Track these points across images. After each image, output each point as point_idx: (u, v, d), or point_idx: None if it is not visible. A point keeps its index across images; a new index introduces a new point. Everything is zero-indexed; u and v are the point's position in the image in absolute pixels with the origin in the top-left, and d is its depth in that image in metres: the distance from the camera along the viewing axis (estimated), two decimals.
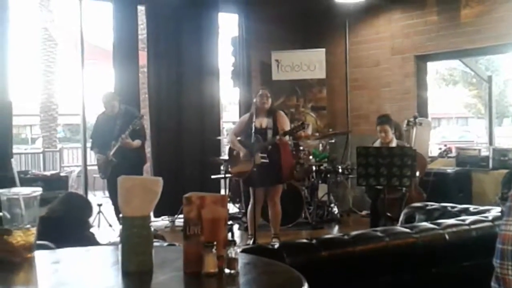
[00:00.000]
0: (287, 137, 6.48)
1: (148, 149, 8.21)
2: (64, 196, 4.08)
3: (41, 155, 14.98)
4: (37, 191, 2.13)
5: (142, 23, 9.49)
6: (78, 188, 10.48)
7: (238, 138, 6.66)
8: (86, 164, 8.59)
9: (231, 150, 6.82)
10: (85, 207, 4.04)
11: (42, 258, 2.22)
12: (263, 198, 6.60)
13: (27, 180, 7.20)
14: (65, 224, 3.62)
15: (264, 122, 6.45)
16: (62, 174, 8.61)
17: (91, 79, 11.72)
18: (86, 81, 8.30)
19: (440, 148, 7.81)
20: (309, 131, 8.85)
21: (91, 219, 4.15)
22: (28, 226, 2.09)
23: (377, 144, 6.96)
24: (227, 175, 8.21)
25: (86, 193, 8.31)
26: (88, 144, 8.85)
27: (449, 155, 7.55)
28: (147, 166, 8.19)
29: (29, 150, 18.00)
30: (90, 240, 3.61)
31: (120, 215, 2.04)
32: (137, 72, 8.53)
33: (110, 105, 7.09)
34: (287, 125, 6.55)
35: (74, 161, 15.57)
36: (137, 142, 6.96)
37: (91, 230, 4.01)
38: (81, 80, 8.19)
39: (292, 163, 6.95)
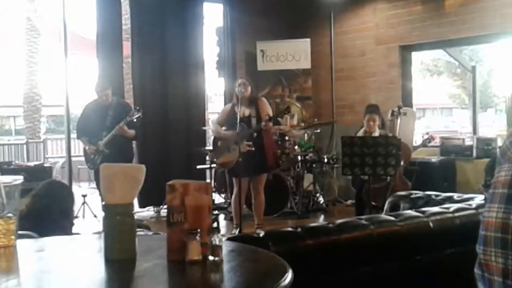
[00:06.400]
0: (271, 124, 6.45)
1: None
2: (46, 185, 4.01)
3: (24, 146, 14.88)
4: (18, 179, 2.10)
5: (126, 13, 9.41)
6: (62, 179, 10.41)
7: (223, 127, 6.67)
8: (70, 155, 8.52)
9: (215, 141, 6.82)
10: (67, 196, 3.98)
11: (26, 247, 2.20)
12: (247, 187, 6.60)
13: (11, 171, 7.16)
14: (48, 214, 3.57)
15: (247, 110, 6.45)
16: (46, 165, 8.55)
17: (74, 69, 11.63)
18: (70, 71, 8.21)
19: (422, 136, 7.86)
20: (295, 121, 8.85)
21: (74, 209, 4.08)
22: (10, 214, 2.07)
23: (360, 133, 6.99)
24: (212, 165, 8.22)
25: (70, 184, 8.25)
26: (73, 135, 8.80)
27: (431, 143, 7.60)
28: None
29: (12, 141, 17.87)
30: (64, 230, 3.55)
31: (103, 203, 2.02)
32: (121, 63, 8.47)
33: (104, 94, 6.97)
34: (269, 111, 6.57)
35: (58, 152, 15.48)
36: (132, 132, 6.90)
37: (73, 221, 3.96)
38: (65, 71, 8.11)
39: (275, 150, 6.93)
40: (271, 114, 6.49)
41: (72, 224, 3.85)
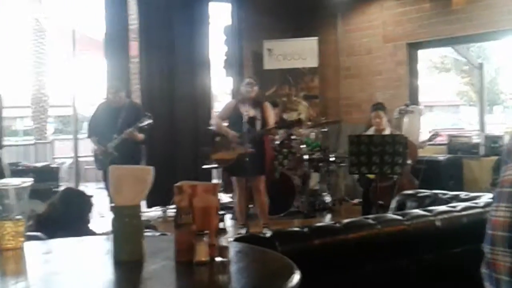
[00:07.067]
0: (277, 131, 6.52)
1: None
2: (63, 193, 4.05)
3: (32, 147, 14.93)
4: (27, 181, 2.12)
5: (133, 13, 9.43)
6: (69, 180, 10.46)
7: (225, 123, 6.65)
8: (78, 155, 8.55)
9: (213, 135, 6.76)
10: (85, 204, 4.01)
11: (34, 249, 2.21)
12: (246, 186, 6.55)
13: (18, 172, 7.17)
14: (64, 221, 3.60)
15: (251, 111, 6.44)
16: (53, 166, 8.57)
17: (82, 70, 11.66)
18: (77, 72, 8.25)
19: (429, 131, 7.84)
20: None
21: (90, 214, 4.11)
22: (19, 216, 2.08)
23: (371, 131, 6.98)
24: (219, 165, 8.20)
25: (77, 184, 8.30)
26: (80, 136, 8.83)
27: (437, 139, 7.58)
28: None
29: (20, 142, 17.93)
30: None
31: (111, 205, 2.03)
32: (128, 63, 8.49)
33: (117, 96, 6.97)
34: (272, 118, 6.57)
35: (66, 152, 15.51)
36: (141, 136, 6.89)
37: (89, 226, 3.99)
38: (72, 71, 8.15)
39: (273, 155, 6.96)
40: (272, 121, 6.51)
41: (89, 230, 3.88)
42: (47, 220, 3.58)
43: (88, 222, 3.96)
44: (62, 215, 3.67)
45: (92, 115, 7.34)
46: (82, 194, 4.25)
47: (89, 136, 7.38)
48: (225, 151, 6.49)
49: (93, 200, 7.93)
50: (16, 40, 18.40)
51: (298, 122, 6.58)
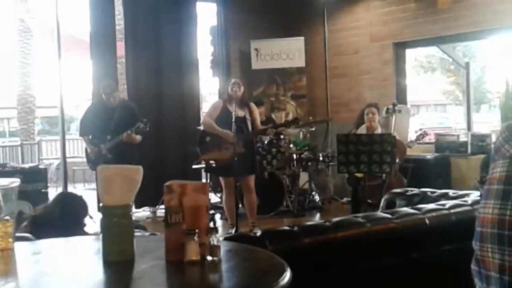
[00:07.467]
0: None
1: None
2: (59, 197, 4.03)
3: (19, 148, 14.84)
4: (15, 182, 2.11)
5: (119, 13, 9.40)
6: (57, 181, 10.40)
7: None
8: (65, 156, 8.49)
9: (203, 136, 6.72)
10: (81, 208, 4.00)
11: (23, 249, 2.20)
12: (235, 186, 6.54)
13: (6, 173, 7.09)
14: (60, 225, 3.59)
15: (240, 111, 6.43)
16: (41, 167, 8.52)
17: (68, 70, 11.59)
18: (64, 72, 8.18)
19: (416, 131, 7.87)
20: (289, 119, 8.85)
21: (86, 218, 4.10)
22: (7, 217, 2.07)
23: (362, 130, 7.00)
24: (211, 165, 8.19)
25: (66, 185, 8.24)
26: (67, 136, 8.77)
27: (425, 138, 7.63)
28: None
29: (7, 143, 17.82)
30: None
31: (100, 204, 2.02)
32: (115, 63, 8.44)
33: (111, 96, 6.86)
34: (259, 118, 6.67)
35: (53, 153, 15.43)
36: (139, 137, 6.80)
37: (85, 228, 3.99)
38: (58, 72, 8.08)
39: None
40: (259, 122, 6.59)
41: (84, 233, 3.87)
42: (42, 222, 3.56)
43: (84, 226, 3.94)
44: (57, 219, 3.65)
45: (84, 114, 7.25)
46: (78, 198, 4.23)
47: (81, 135, 7.28)
48: (217, 151, 6.45)
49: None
50: (1, 41, 18.29)
51: (295, 121, 6.59)
